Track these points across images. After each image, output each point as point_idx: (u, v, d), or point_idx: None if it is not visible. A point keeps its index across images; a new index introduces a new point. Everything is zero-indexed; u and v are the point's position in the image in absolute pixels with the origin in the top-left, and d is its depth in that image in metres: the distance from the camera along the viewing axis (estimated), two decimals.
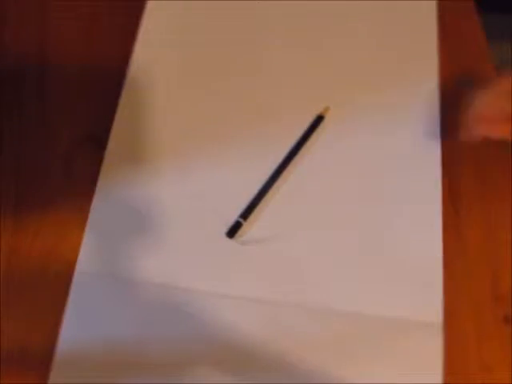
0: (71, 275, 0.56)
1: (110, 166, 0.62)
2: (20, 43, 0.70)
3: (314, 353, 0.53)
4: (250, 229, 0.59)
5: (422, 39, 0.70)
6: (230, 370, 0.53)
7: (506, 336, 0.54)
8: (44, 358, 0.53)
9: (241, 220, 0.58)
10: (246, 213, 0.58)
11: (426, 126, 0.64)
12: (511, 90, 0.57)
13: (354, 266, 0.57)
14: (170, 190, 0.61)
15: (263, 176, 0.61)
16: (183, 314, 0.55)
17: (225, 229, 0.59)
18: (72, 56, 0.69)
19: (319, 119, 0.62)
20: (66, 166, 0.62)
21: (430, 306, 0.55)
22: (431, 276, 0.56)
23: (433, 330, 0.54)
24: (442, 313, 0.55)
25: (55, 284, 0.56)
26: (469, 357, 0.53)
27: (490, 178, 0.62)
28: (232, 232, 0.58)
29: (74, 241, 0.58)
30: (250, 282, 0.56)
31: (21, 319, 0.54)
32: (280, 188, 0.61)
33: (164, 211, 0.60)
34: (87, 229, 0.58)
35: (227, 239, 0.58)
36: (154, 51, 0.69)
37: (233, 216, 0.59)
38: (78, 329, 0.54)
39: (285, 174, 0.61)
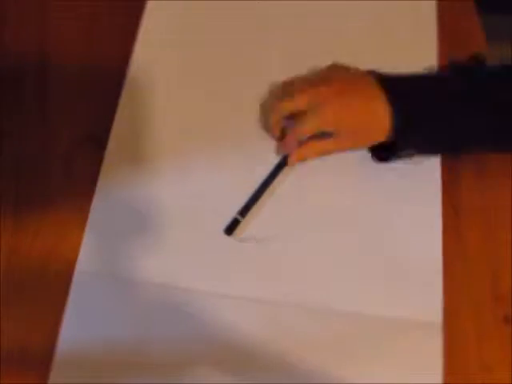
0: (71, 275, 0.56)
1: (110, 166, 0.62)
2: (20, 43, 0.70)
3: (314, 353, 0.53)
4: (249, 228, 0.59)
5: (421, 39, 0.70)
6: (230, 370, 0.53)
7: (506, 336, 0.54)
8: (44, 357, 0.53)
9: (239, 217, 0.58)
10: (244, 210, 0.58)
11: None
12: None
13: (354, 266, 0.57)
14: (170, 189, 0.61)
15: (263, 175, 0.61)
16: (183, 313, 0.55)
17: (225, 228, 0.59)
18: (72, 56, 0.69)
19: None
20: (65, 166, 0.62)
21: (430, 306, 0.55)
22: (431, 276, 0.56)
23: (433, 329, 0.54)
24: (441, 313, 0.55)
25: (55, 284, 0.56)
26: (469, 357, 0.53)
27: (490, 178, 0.62)
28: (230, 229, 0.58)
29: (74, 241, 0.58)
30: (250, 281, 0.56)
31: (21, 319, 0.54)
32: (280, 187, 0.61)
33: (164, 211, 0.60)
34: (87, 229, 0.58)
35: (227, 239, 0.58)
36: (153, 51, 0.69)
37: (233, 216, 0.59)
38: (78, 329, 0.54)
39: (285, 172, 0.61)
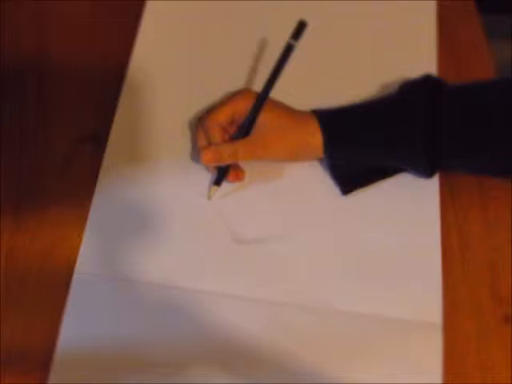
0: (71, 275, 0.56)
1: (110, 165, 0.62)
2: (20, 43, 0.70)
3: (314, 353, 0.53)
4: (249, 228, 0.59)
5: (421, 39, 0.70)
6: (230, 369, 0.53)
7: (506, 336, 0.54)
8: (44, 358, 0.53)
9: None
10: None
11: None
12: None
13: (355, 266, 0.57)
14: (170, 189, 0.61)
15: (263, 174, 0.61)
16: (183, 313, 0.55)
17: (225, 229, 0.59)
18: (72, 56, 0.69)
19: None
20: (65, 166, 0.62)
21: (430, 306, 0.55)
22: (431, 276, 0.56)
23: (432, 330, 0.54)
24: (441, 313, 0.55)
25: (55, 284, 0.56)
26: (469, 357, 0.53)
27: (490, 178, 0.62)
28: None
29: (74, 241, 0.58)
30: (250, 281, 0.56)
31: (21, 319, 0.54)
32: (281, 187, 0.61)
33: (164, 211, 0.60)
34: (87, 229, 0.58)
35: (227, 239, 0.58)
36: (153, 51, 0.69)
37: (233, 216, 0.59)
38: (78, 329, 0.54)
39: (285, 174, 0.61)
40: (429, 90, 0.58)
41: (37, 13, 0.72)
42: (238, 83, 0.67)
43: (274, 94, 0.58)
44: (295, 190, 0.61)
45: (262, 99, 0.58)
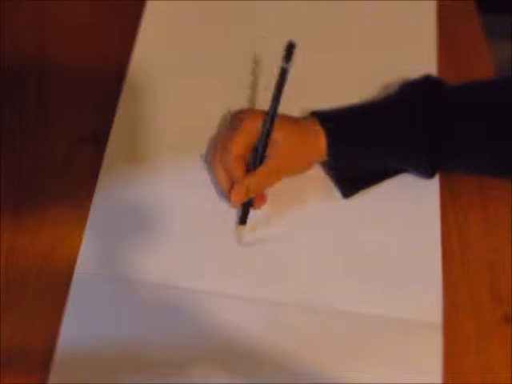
0: (71, 275, 0.56)
1: (110, 165, 0.62)
2: (20, 43, 0.70)
3: (314, 353, 0.53)
4: (249, 229, 0.59)
5: (421, 39, 0.70)
6: (230, 369, 0.53)
7: (506, 336, 0.54)
8: (44, 358, 0.53)
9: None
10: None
11: None
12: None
13: (355, 266, 0.57)
14: (170, 189, 0.61)
15: None
16: (183, 313, 0.55)
17: (225, 229, 0.59)
18: (72, 56, 0.69)
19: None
20: (65, 166, 0.62)
21: (430, 306, 0.55)
22: (431, 276, 0.56)
23: (432, 329, 0.54)
24: (441, 313, 0.55)
25: (55, 284, 0.56)
26: (469, 357, 0.53)
27: (490, 177, 0.62)
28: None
29: (74, 241, 0.58)
30: (251, 281, 0.56)
31: (21, 319, 0.54)
32: (281, 188, 0.61)
33: (164, 211, 0.60)
34: (87, 229, 0.58)
35: (227, 239, 0.58)
36: (153, 51, 0.69)
37: (232, 216, 0.59)
38: (78, 329, 0.54)
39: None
40: (429, 90, 0.58)
41: (37, 13, 0.72)
42: (237, 83, 0.67)
43: None
44: (295, 190, 0.61)
45: (269, 125, 0.56)
